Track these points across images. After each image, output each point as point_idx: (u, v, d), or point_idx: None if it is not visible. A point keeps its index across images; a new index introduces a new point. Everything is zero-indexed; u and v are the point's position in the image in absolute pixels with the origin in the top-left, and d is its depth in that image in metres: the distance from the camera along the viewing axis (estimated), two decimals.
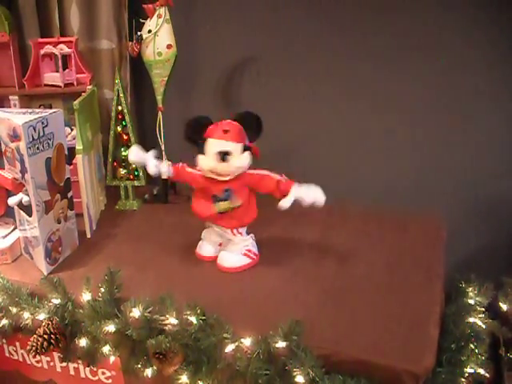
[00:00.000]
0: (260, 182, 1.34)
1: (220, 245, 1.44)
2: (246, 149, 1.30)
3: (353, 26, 1.70)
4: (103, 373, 1.36)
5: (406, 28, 1.65)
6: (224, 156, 1.27)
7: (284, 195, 1.30)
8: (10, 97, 1.71)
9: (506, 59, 1.60)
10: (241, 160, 1.30)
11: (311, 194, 1.28)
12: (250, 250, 1.41)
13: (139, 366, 1.20)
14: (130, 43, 1.60)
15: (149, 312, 1.17)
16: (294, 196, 1.28)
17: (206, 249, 1.46)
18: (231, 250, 1.41)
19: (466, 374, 1.13)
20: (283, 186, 1.31)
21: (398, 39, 1.67)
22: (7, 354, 1.47)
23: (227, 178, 1.31)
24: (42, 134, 1.32)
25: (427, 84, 1.69)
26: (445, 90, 1.68)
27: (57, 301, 1.26)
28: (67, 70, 1.73)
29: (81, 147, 1.51)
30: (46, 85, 1.74)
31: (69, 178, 1.46)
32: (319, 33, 1.74)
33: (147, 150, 1.86)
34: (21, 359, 1.46)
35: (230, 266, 1.40)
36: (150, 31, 1.57)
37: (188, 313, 1.14)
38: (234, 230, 1.39)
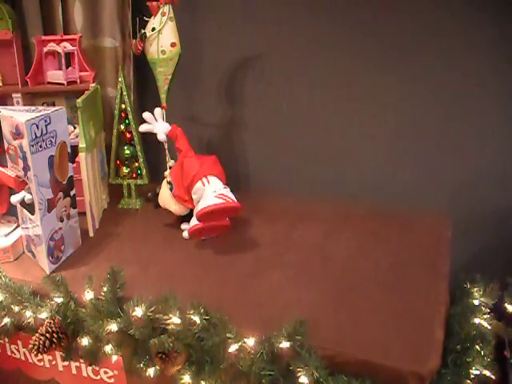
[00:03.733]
0: None
1: None
2: None
3: (357, 25, 1.69)
4: (105, 372, 1.35)
5: (409, 30, 1.65)
6: None
7: None
8: (13, 94, 1.71)
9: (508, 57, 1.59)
10: None
11: None
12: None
13: (142, 365, 1.20)
14: (134, 41, 1.59)
15: (151, 311, 1.16)
16: None
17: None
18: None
19: (472, 376, 1.12)
20: None
21: (402, 40, 1.66)
22: (9, 353, 1.47)
23: None
24: (44, 131, 1.32)
25: (431, 85, 1.68)
26: (448, 91, 1.67)
27: (59, 299, 1.26)
28: (70, 68, 1.72)
29: (84, 145, 1.50)
30: (49, 83, 1.73)
31: (72, 176, 1.45)
32: (323, 32, 1.73)
33: (150, 148, 1.87)
34: (23, 358, 1.45)
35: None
36: (153, 29, 1.56)
37: (191, 312, 1.13)
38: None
